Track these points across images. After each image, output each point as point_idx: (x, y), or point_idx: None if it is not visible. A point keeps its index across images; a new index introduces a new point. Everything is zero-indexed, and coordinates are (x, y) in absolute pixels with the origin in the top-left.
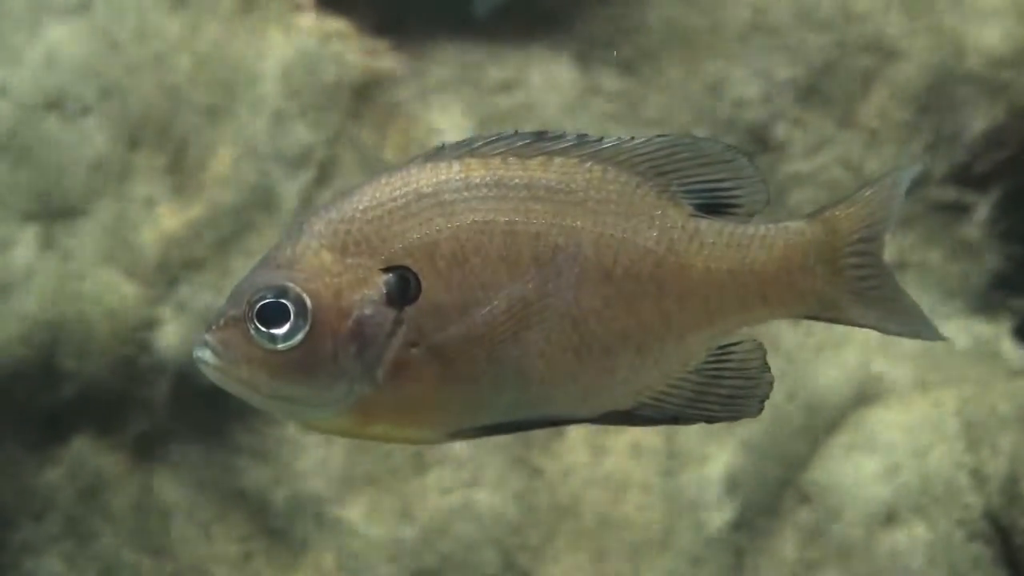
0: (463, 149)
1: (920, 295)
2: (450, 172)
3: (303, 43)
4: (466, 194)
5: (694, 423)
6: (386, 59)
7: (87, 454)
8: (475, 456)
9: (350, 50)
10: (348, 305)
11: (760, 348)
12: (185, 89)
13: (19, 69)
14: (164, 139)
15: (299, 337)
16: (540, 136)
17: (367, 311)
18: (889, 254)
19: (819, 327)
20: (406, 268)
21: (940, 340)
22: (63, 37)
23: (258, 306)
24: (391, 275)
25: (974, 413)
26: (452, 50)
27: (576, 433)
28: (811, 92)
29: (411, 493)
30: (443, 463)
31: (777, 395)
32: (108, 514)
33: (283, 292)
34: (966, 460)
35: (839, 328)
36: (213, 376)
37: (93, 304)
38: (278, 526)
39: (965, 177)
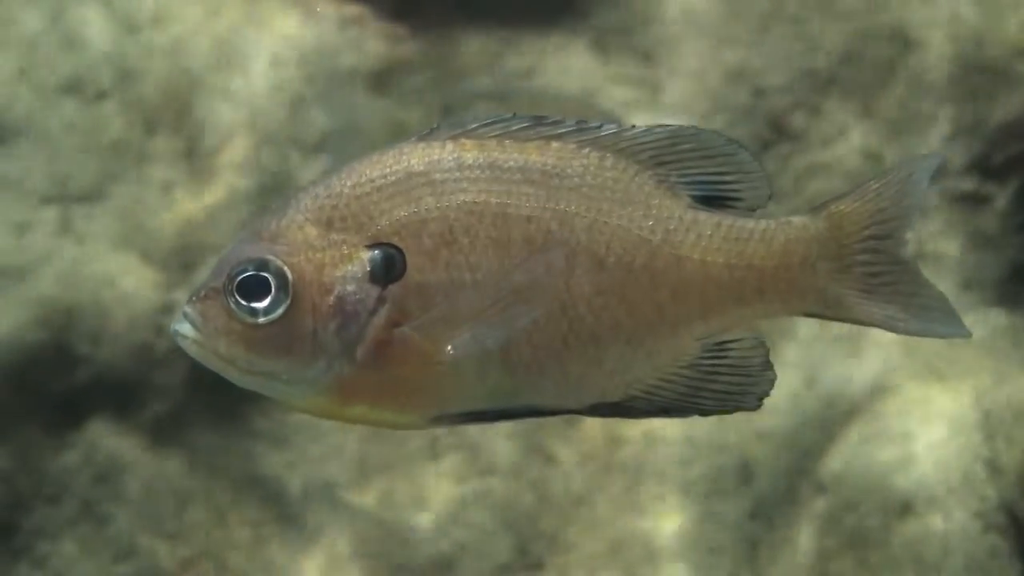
0: (458, 130)
1: (938, 286)
2: (443, 152)
3: (321, 28)
4: (458, 174)
5: (686, 416)
6: (404, 45)
7: (102, 438)
8: (490, 443)
9: (368, 36)
10: (330, 281)
11: (762, 345)
12: (202, 73)
13: (37, 53)
14: (181, 123)
15: (279, 311)
16: (538, 120)
17: (349, 287)
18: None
19: None
20: (391, 246)
21: (965, 336)
22: (81, 21)
23: (238, 279)
24: (376, 252)
25: (991, 404)
26: (470, 37)
27: (592, 421)
28: (831, 81)
29: (426, 480)
30: (458, 450)
31: (795, 384)
32: (123, 498)
33: (264, 265)
34: (983, 451)
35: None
36: (190, 349)
37: (109, 288)
38: (293, 511)
39: (984, 168)
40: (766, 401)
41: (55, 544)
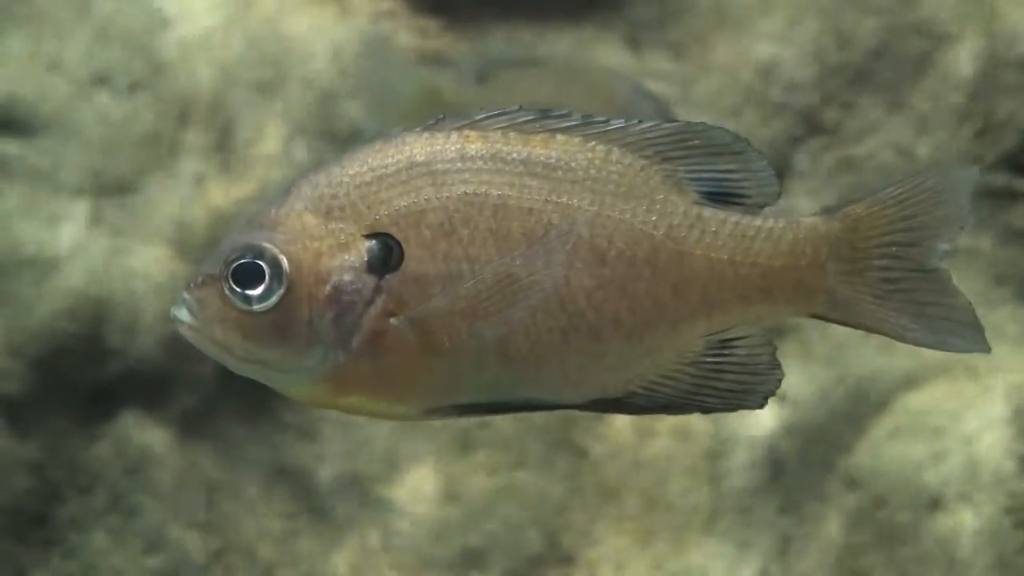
0: (463, 121)
1: (970, 281)
2: (446, 143)
3: (355, 22)
4: (460, 165)
5: (688, 413)
6: (437, 39)
7: (134, 430)
8: (521, 437)
9: (401, 29)
10: (327, 270)
11: (770, 343)
12: (235, 66)
13: (70, 45)
14: (214, 116)
15: (273, 299)
16: (545, 113)
17: (346, 277)
18: None
19: None
20: (389, 236)
21: (983, 351)
22: (114, 13)
23: (234, 266)
24: (373, 242)
25: (1022, 400)
26: (502, 31)
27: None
28: (863, 76)
29: (456, 473)
30: (489, 443)
31: (825, 379)
32: (154, 490)
33: (260, 253)
34: (1014, 447)
35: None
36: (188, 335)
37: (141, 280)
38: (323, 504)
39: (1015, 163)
40: (796, 395)
41: (86, 535)
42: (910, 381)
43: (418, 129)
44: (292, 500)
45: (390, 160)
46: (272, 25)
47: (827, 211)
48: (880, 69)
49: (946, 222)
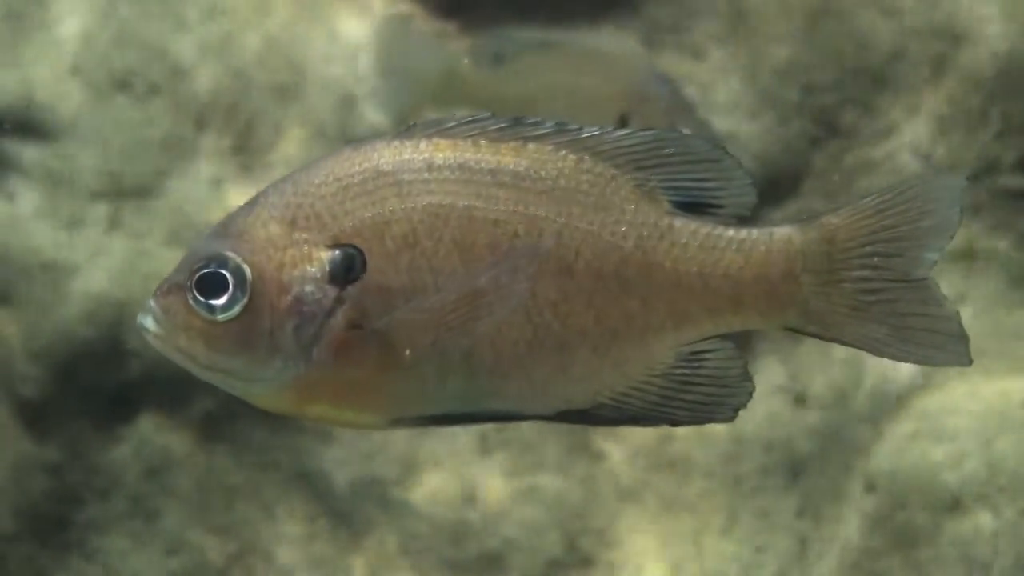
0: (434, 129)
1: (988, 283)
2: (414, 152)
3: (372, 25)
4: (427, 175)
5: (656, 425)
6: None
7: (153, 433)
8: (539, 439)
9: None
10: (289, 280)
11: (739, 356)
12: (254, 69)
13: (89, 49)
14: (232, 120)
15: (236, 309)
16: (517, 121)
17: (307, 287)
18: (957, 242)
19: None
20: (352, 246)
21: (964, 365)
22: (132, 16)
23: (198, 275)
24: (336, 252)
25: None
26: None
27: None
28: (881, 78)
29: (475, 476)
30: (508, 446)
31: (843, 381)
32: (173, 493)
33: (223, 262)
34: None
35: None
36: (153, 343)
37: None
38: (341, 507)
39: None
40: (815, 398)
41: (106, 538)
42: (928, 382)
43: (388, 136)
44: (311, 503)
45: (356, 169)
46: (290, 28)
47: (803, 221)
48: (898, 71)
49: (932, 231)
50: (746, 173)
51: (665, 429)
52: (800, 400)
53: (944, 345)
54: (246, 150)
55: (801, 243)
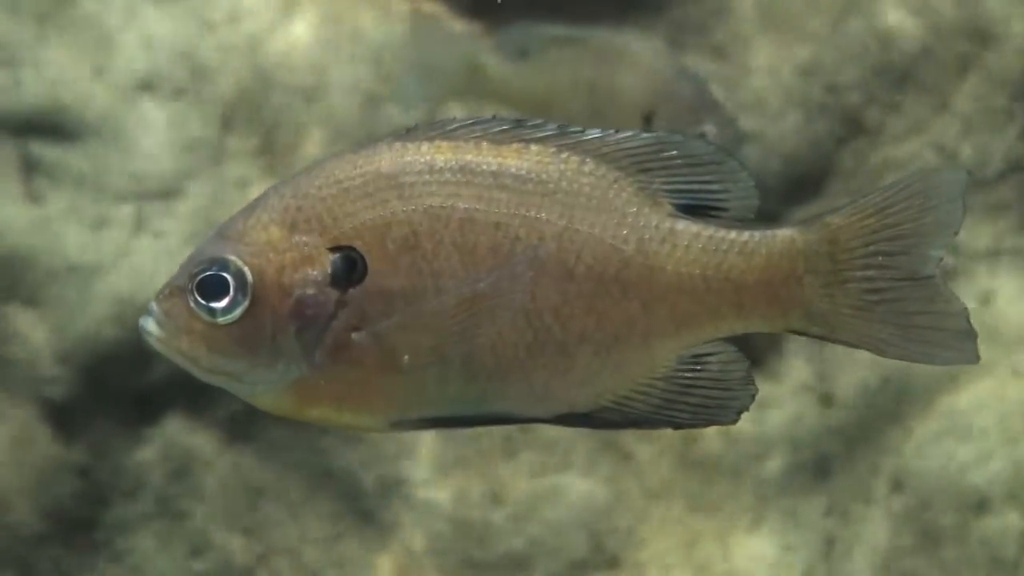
0: (436, 131)
1: (1014, 282)
2: (416, 154)
3: (395, 27)
4: (428, 177)
5: (659, 428)
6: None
7: (179, 434)
8: (565, 439)
9: None
10: (290, 283)
11: (743, 359)
12: (278, 71)
13: (114, 51)
14: (257, 121)
15: (237, 312)
16: (519, 123)
17: (309, 291)
18: (983, 241)
19: None
20: (353, 249)
21: (972, 363)
22: (157, 19)
23: (199, 278)
24: (337, 255)
25: None
26: None
27: None
28: (906, 77)
29: (501, 476)
30: (534, 447)
31: (870, 380)
32: (199, 493)
33: (224, 265)
34: None
35: None
36: (155, 346)
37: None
38: (367, 507)
39: None
40: (842, 397)
41: (132, 539)
42: (955, 382)
43: (390, 138)
44: (336, 503)
45: (357, 172)
46: (314, 29)
47: (805, 223)
48: (923, 69)
49: (936, 228)
50: (749, 175)
51: (690, 430)
52: (827, 400)
53: (951, 343)
54: (271, 151)
55: (803, 244)
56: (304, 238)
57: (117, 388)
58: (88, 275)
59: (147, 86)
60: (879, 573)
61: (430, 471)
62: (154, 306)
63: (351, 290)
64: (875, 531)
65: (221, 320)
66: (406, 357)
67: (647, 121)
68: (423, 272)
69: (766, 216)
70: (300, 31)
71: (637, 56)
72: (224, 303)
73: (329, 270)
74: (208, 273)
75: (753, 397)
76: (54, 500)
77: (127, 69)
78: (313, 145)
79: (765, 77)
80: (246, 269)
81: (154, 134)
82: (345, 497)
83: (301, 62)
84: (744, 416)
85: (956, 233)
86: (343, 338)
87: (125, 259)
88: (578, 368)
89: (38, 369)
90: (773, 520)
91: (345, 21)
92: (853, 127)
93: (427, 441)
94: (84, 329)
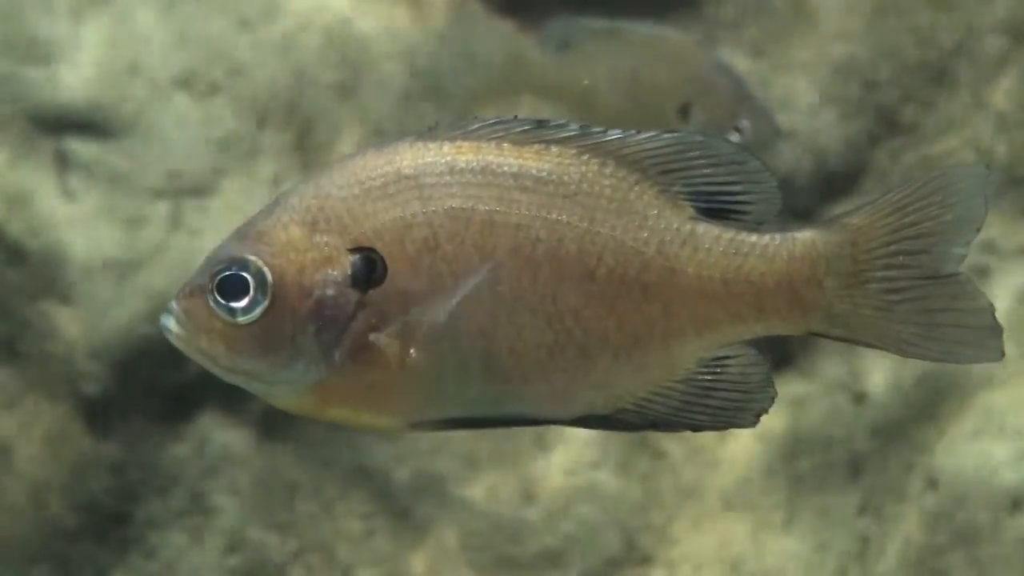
0: (457, 131)
1: None
2: (437, 154)
3: (431, 23)
4: (448, 178)
5: (678, 431)
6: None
7: (212, 430)
8: (599, 437)
9: None
10: (310, 283)
11: (763, 361)
12: (313, 68)
13: (149, 48)
14: (291, 117)
15: (257, 312)
16: (541, 124)
17: (329, 291)
18: (1018, 239)
19: None
20: (373, 250)
21: (996, 360)
22: (193, 16)
23: (219, 278)
24: (357, 256)
25: None
26: None
27: None
28: (941, 74)
29: (534, 473)
30: (567, 444)
31: (905, 378)
32: (233, 490)
33: (244, 265)
34: None
35: None
36: (176, 344)
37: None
38: (401, 504)
39: None
40: (876, 395)
41: (166, 535)
42: (990, 380)
43: (411, 138)
44: (370, 500)
45: (378, 172)
46: (348, 26)
47: (824, 224)
48: (959, 67)
49: (958, 225)
50: (772, 177)
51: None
52: (860, 398)
53: (976, 340)
54: (305, 148)
55: (824, 246)
56: (324, 238)
57: (151, 384)
58: (123, 272)
59: (182, 83)
60: (912, 571)
61: (464, 468)
62: (174, 305)
63: (371, 291)
64: (908, 529)
65: (241, 320)
66: (425, 358)
67: (684, 113)
68: (443, 274)
69: (800, 214)
70: (335, 28)
71: (675, 49)
72: (244, 303)
73: (349, 271)
74: (228, 273)
75: (773, 400)
76: (88, 496)
77: (163, 66)
78: (348, 142)
79: (800, 75)
80: (266, 269)
81: (189, 131)
82: (379, 494)
83: (336, 59)
84: (777, 414)
85: (979, 229)
86: (362, 339)
87: (160, 256)
88: (598, 370)
89: (73, 365)
90: (806, 518)
91: (380, 18)
92: (888, 125)
93: (461, 438)
94: (119, 325)
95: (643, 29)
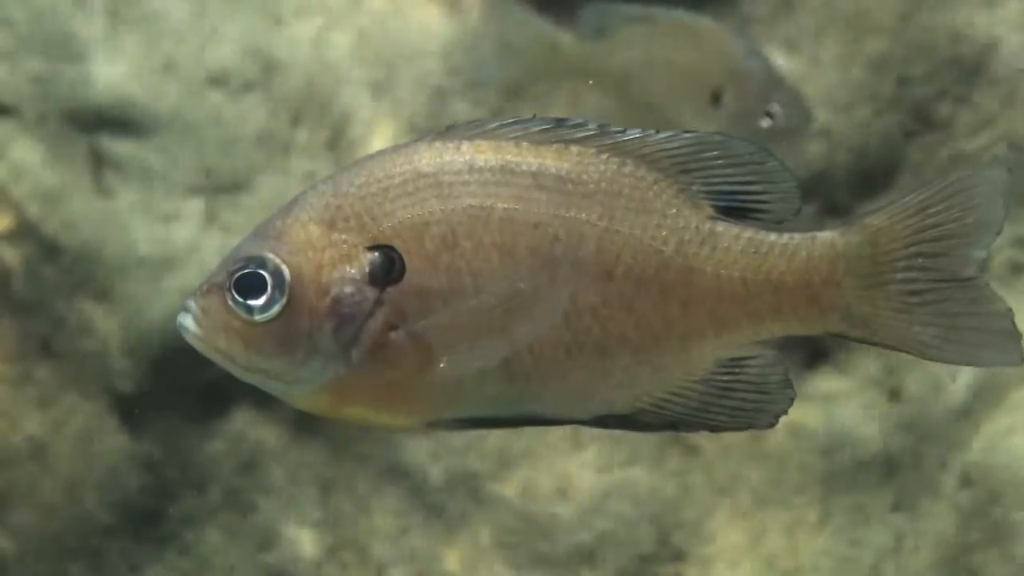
0: (476, 130)
1: None
2: (456, 153)
3: (464, 20)
4: (467, 177)
5: (696, 431)
6: None
7: (247, 427)
8: (632, 434)
9: None
10: (328, 281)
11: (781, 362)
12: (346, 65)
13: (184, 46)
14: (325, 115)
15: (275, 310)
16: (560, 123)
17: (347, 289)
18: None
19: None
20: (391, 248)
21: (1016, 364)
22: (227, 13)
23: (236, 276)
24: (376, 254)
25: None
26: None
27: None
28: (976, 70)
29: (568, 470)
30: (601, 440)
31: (940, 376)
32: (267, 487)
33: (262, 263)
34: None
35: None
36: (193, 343)
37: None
38: (435, 501)
39: None
40: (910, 392)
41: (200, 532)
42: None
43: (429, 137)
44: (404, 497)
45: (397, 170)
46: (382, 23)
47: (845, 225)
48: (993, 62)
49: (978, 228)
50: (790, 176)
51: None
52: (895, 394)
53: (995, 344)
54: (339, 145)
55: (843, 247)
56: (343, 236)
57: (186, 381)
58: (158, 269)
59: (217, 81)
60: (947, 568)
61: (497, 465)
62: (192, 303)
63: (389, 289)
64: (943, 526)
65: (258, 318)
66: (443, 357)
67: (716, 98)
68: (461, 272)
69: (836, 210)
70: (368, 25)
71: (707, 35)
72: (262, 301)
73: (367, 269)
74: (246, 271)
75: (792, 401)
76: (123, 492)
77: (197, 64)
78: (381, 140)
79: (834, 71)
80: (284, 267)
81: (223, 128)
82: (413, 491)
83: (370, 56)
84: (812, 410)
85: (998, 233)
86: (380, 337)
87: (195, 253)
88: (617, 369)
89: (107, 362)
90: (841, 515)
91: (413, 15)
92: (923, 121)
93: (494, 435)
94: (153, 323)
95: (676, 15)
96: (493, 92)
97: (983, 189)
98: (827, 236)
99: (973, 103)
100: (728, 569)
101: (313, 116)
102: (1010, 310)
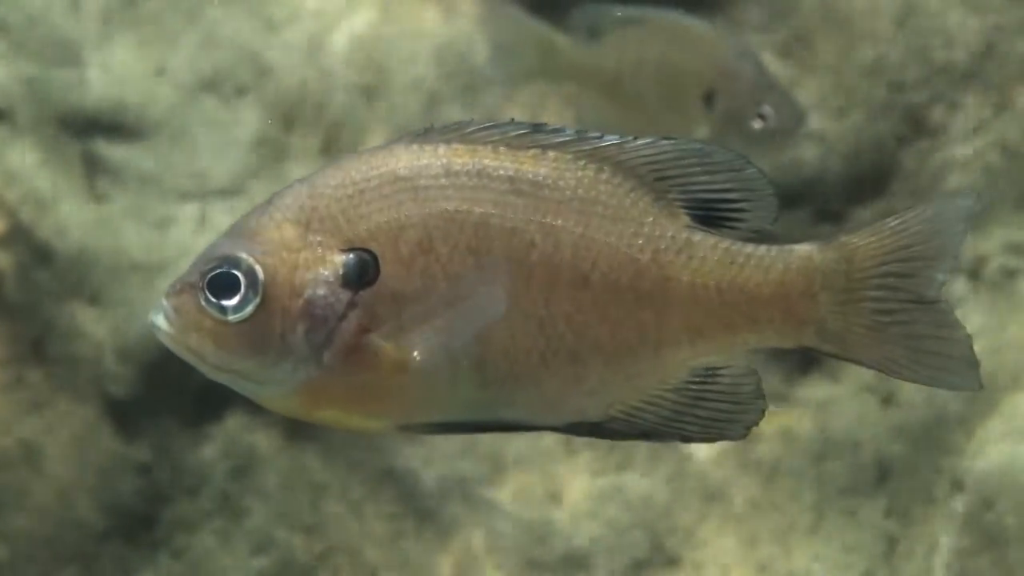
0: (453, 133)
1: None
2: (433, 156)
3: (458, 25)
4: (444, 181)
5: (668, 441)
6: None
7: (240, 432)
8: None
9: None
10: (301, 283)
11: (754, 373)
12: (340, 70)
13: (177, 51)
14: (319, 120)
15: (248, 310)
16: (537, 128)
17: (320, 291)
18: None
19: (977, 314)
20: (366, 251)
21: (974, 390)
22: (220, 18)
23: (210, 275)
24: (350, 256)
25: None
26: None
27: None
28: (969, 76)
29: (561, 475)
30: (594, 446)
31: None
32: (260, 491)
33: (236, 263)
34: None
35: (998, 312)
36: (165, 341)
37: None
38: (428, 506)
39: None
40: (904, 397)
41: (193, 536)
42: (1018, 383)
43: (407, 139)
44: (397, 502)
45: (374, 173)
46: (376, 28)
47: (825, 241)
48: (986, 68)
49: (941, 252)
50: (769, 184)
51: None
52: (888, 400)
53: (955, 369)
54: (333, 150)
55: (820, 261)
56: (317, 238)
57: (179, 386)
58: (151, 274)
59: (210, 85)
60: (941, 574)
61: (490, 470)
62: (164, 302)
63: (362, 292)
64: (937, 532)
65: (231, 318)
66: (416, 361)
67: (708, 100)
68: (436, 276)
69: (829, 216)
70: (362, 30)
71: (700, 36)
72: (235, 301)
73: (341, 271)
74: (220, 271)
75: (763, 412)
76: (116, 497)
77: (190, 68)
78: (375, 143)
79: (828, 76)
80: (257, 267)
81: (216, 133)
82: (406, 496)
83: (363, 61)
84: (805, 417)
85: (956, 258)
86: (353, 340)
87: (188, 258)
88: (590, 376)
89: (100, 367)
90: (834, 520)
91: (407, 20)
92: (916, 126)
93: (487, 440)
94: (146, 327)
95: (669, 17)
96: (489, 96)
97: (948, 215)
98: (804, 250)
99: (966, 109)
100: (721, 574)
101: (306, 121)
102: (969, 336)
